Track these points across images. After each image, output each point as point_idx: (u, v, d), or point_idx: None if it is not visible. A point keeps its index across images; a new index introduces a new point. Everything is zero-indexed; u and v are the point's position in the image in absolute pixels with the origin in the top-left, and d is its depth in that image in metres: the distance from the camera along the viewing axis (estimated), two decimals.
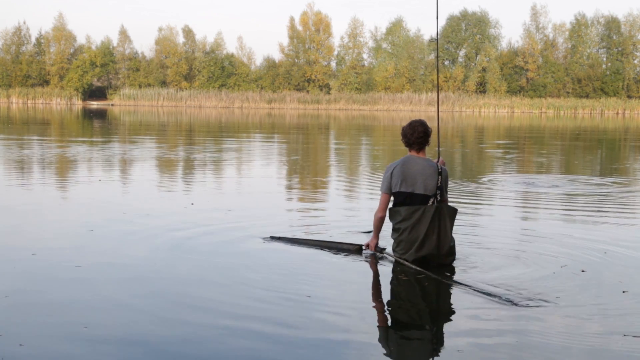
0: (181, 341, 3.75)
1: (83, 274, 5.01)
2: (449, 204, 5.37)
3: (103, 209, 7.82)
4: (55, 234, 6.42)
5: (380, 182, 5.43)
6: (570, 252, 5.88)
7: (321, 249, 5.71)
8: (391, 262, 5.29)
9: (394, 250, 5.30)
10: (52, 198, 8.83)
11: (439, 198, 5.16)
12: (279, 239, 6.02)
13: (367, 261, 5.38)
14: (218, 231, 6.57)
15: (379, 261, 5.36)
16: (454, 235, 5.33)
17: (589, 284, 4.93)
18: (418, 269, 5.02)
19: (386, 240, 5.62)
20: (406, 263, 5.10)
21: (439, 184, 5.14)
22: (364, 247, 5.50)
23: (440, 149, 5.76)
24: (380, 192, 5.43)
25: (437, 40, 6.53)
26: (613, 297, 4.63)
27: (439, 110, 6.42)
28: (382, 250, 5.42)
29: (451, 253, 5.24)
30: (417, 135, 5.26)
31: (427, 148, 5.46)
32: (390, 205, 5.38)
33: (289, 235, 6.16)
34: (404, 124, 5.49)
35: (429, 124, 5.43)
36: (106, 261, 5.37)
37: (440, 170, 5.18)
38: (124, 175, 11.89)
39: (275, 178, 12.01)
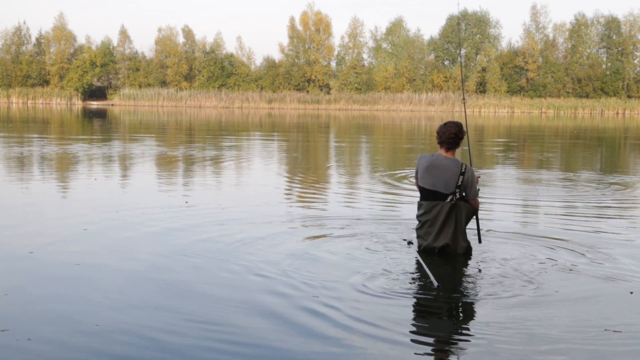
0: (192, 338, 3.73)
1: (83, 272, 5.00)
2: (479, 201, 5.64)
3: (97, 207, 7.78)
4: (50, 232, 6.38)
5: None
6: (557, 250, 5.86)
7: None
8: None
9: (417, 238, 5.71)
10: (47, 196, 8.79)
11: (457, 196, 5.46)
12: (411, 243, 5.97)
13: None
14: (210, 229, 6.54)
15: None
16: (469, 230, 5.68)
17: (576, 283, 4.91)
18: (422, 263, 5.14)
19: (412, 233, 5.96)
20: (419, 257, 5.36)
21: (459, 183, 5.44)
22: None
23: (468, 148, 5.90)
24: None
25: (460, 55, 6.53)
26: (597, 294, 4.61)
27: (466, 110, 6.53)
28: (410, 243, 5.87)
29: (467, 248, 5.57)
30: (447, 135, 5.57)
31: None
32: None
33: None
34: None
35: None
36: (104, 260, 5.35)
37: (463, 170, 5.46)
38: (120, 173, 11.85)
39: (274, 176, 11.94)
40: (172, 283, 4.77)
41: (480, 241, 5.77)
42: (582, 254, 5.75)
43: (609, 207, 8.60)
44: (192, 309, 4.21)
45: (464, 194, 5.54)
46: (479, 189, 5.77)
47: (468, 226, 5.68)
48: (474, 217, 5.70)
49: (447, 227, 5.48)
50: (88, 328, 3.85)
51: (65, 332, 3.80)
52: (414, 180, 5.86)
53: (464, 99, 6.66)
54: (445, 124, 5.67)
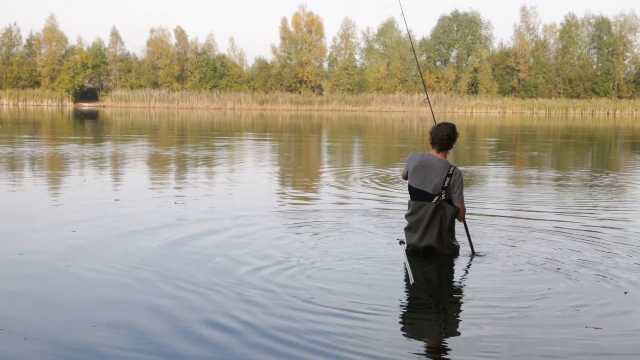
0: (192, 337, 3.72)
1: (73, 273, 4.97)
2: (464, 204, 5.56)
3: (86, 209, 7.74)
4: (40, 234, 6.34)
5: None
6: (551, 248, 5.87)
7: None
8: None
9: (405, 237, 5.67)
10: (37, 198, 8.74)
11: (443, 197, 5.44)
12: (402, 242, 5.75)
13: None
14: (202, 228, 6.54)
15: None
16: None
17: (570, 281, 4.91)
18: (406, 261, 5.10)
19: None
20: (404, 256, 5.26)
21: (445, 185, 5.42)
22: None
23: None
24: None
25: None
26: (590, 293, 4.62)
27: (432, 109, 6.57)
28: (402, 242, 5.68)
29: (453, 249, 5.54)
30: (440, 136, 5.55)
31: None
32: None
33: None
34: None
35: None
36: (92, 261, 5.30)
37: (450, 172, 5.45)
38: (109, 175, 11.80)
39: (267, 175, 11.90)
40: (170, 285, 4.75)
41: (473, 252, 5.59)
42: (578, 252, 5.76)
43: (603, 205, 8.61)
44: (192, 308, 4.18)
45: (451, 196, 5.49)
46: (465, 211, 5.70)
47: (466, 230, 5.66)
48: (463, 224, 5.67)
49: (431, 228, 5.45)
50: (84, 328, 3.84)
51: (60, 332, 3.78)
52: (402, 174, 5.83)
53: (427, 98, 6.68)
54: (439, 125, 5.66)
